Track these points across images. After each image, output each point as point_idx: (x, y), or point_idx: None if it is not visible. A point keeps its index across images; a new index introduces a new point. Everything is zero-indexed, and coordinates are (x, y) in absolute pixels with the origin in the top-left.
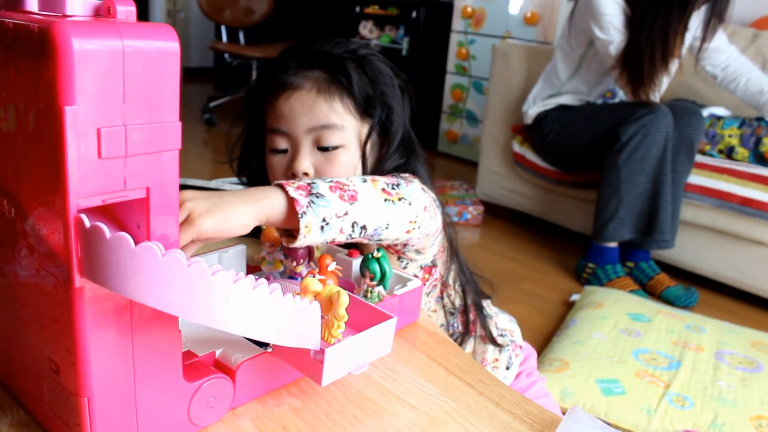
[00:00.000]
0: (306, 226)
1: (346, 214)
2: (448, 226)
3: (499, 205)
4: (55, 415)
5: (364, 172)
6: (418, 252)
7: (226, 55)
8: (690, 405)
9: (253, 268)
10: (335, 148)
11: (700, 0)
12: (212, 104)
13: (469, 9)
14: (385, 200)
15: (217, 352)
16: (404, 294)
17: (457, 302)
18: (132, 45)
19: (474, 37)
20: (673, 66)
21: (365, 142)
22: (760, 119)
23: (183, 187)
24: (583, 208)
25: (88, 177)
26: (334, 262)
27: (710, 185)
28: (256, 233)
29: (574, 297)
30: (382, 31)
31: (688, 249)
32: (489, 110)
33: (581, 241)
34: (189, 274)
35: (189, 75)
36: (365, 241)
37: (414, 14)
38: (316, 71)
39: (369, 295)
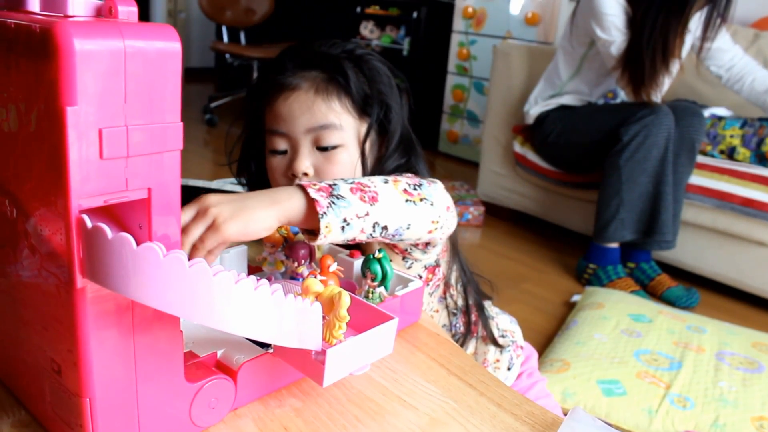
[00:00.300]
0: (326, 227)
1: (367, 214)
2: None
3: (500, 206)
4: (57, 416)
5: (364, 171)
6: (423, 252)
7: (227, 56)
8: (691, 406)
9: (254, 269)
10: (334, 147)
11: (700, 1)
12: (213, 105)
13: (470, 9)
14: (407, 201)
15: (219, 353)
16: (405, 295)
17: (459, 302)
18: (133, 45)
19: (475, 37)
20: (674, 67)
21: (364, 141)
22: (762, 119)
23: (189, 188)
24: (584, 208)
25: (89, 177)
26: (336, 263)
27: (711, 186)
28: None
29: (575, 297)
30: (383, 31)
31: (689, 250)
32: (490, 111)
33: (582, 241)
34: (190, 275)
35: (190, 75)
36: (387, 241)
37: (415, 15)
38: (313, 71)
39: (370, 295)
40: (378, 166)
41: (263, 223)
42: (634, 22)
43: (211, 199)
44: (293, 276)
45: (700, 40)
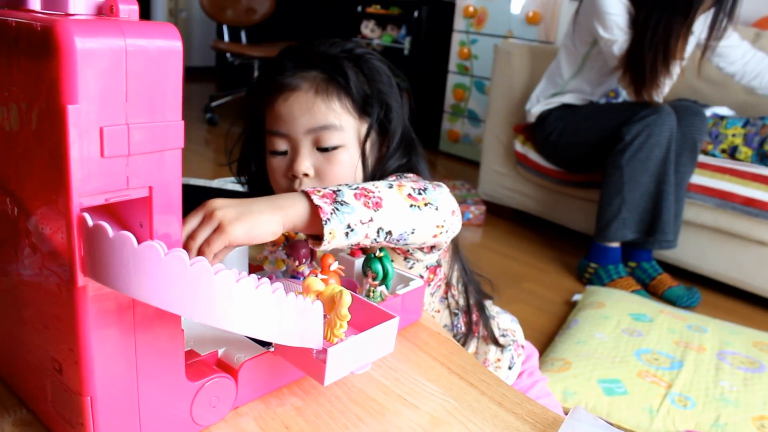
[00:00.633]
0: (330, 233)
1: (371, 220)
2: None
3: (501, 205)
4: (58, 414)
5: (365, 172)
6: (425, 253)
7: (228, 55)
8: (692, 405)
9: (255, 268)
10: (335, 148)
11: (705, 4)
12: (214, 104)
13: (471, 8)
14: (411, 206)
15: (220, 352)
16: (406, 294)
17: (461, 302)
18: (135, 44)
19: (476, 36)
20: (675, 68)
21: (364, 141)
22: (765, 118)
23: (190, 187)
24: (585, 207)
25: (90, 176)
26: (337, 262)
27: (712, 185)
28: None
29: (576, 297)
30: (383, 30)
31: (690, 249)
32: (491, 110)
33: (583, 240)
34: (191, 274)
35: (191, 74)
36: (392, 245)
37: (416, 14)
38: (313, 72)
39: (371, 294)
40: (379, 166)
41: (268, 228)
42: (636, 23)
43: (217, 202)
44: (294, 275)
45: (707, 41)
